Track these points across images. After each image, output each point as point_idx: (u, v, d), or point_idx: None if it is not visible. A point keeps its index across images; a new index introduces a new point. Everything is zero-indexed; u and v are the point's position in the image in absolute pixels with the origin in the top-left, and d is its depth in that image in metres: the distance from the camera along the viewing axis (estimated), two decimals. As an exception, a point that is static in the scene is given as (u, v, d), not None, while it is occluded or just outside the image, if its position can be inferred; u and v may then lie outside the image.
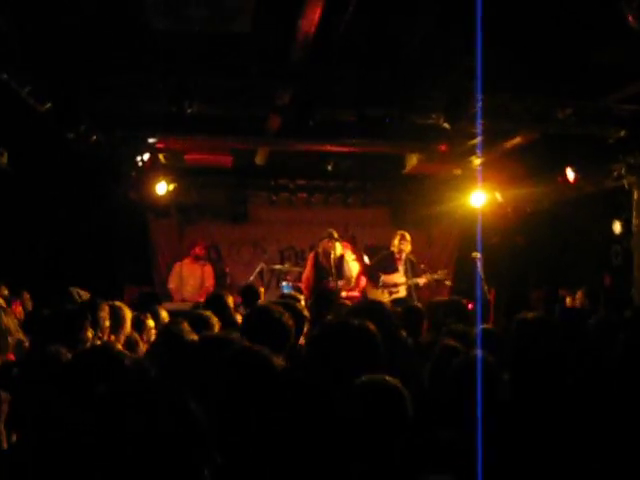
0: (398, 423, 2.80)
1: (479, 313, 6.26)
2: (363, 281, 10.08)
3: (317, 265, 9.88)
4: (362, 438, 2.72)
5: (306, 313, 5.05)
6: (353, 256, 9.89)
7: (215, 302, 6.18)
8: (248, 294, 7.40)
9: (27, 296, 8.21)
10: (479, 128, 8.31)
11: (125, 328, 5.09)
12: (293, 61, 6.95)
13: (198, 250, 12.03)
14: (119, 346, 4.98)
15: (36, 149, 9.13)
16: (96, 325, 4.75)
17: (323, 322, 4.26)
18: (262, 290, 7.45)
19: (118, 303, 5.23)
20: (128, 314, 5.14)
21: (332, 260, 9.65)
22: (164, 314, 6.31)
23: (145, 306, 6.46)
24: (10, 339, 3.78)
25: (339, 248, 9.83)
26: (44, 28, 6.25)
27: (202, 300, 11.27)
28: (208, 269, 12.12)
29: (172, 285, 11.83)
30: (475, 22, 2.71)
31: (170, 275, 11.99)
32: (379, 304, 4.77)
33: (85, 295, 5.76)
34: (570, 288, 9.42)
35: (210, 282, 11.99)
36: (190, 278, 11.87)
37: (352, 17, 6.01)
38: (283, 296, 7.59)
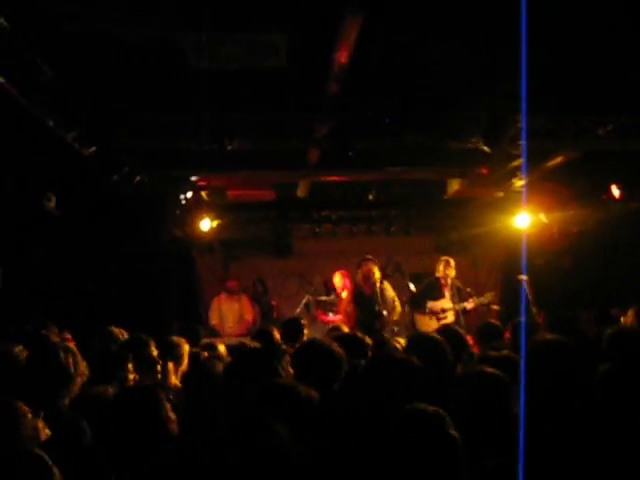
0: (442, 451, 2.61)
1: (523, 336, 6.14)
2: (398, 306, 9.93)
3: (357, 294, 9.73)
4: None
5: (369, 341, 5.00)
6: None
7: (263, 337, 6.13)
8: (289, 328, 6.79)
9: (68, 336, 8.24)
10: (523, 150, 8.23)
11: (183, 364, 5.08)
12: (329, 93, 7.01)
13: (230, 284, 11.89)
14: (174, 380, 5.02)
15: (82, 192, 9.29)
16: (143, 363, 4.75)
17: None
18: (304, 323, 7.04)
19: (176, 338, 5.22)
20: (186, 348, 5.14)
21: (372, 284, 9.55)
22: (222, 348, 6.30)
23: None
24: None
25: (377, 272, 9.74)
26: (86, 74, 6.40)
27: (244, 333, 11.43)
28: (245, 301, 11.96)
29: (214, 321, 11.67)
30: (519, 44, 2.68)
31: (210, 312, 11.85)
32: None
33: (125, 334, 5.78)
34: (622, 307, 9.22)
35: (249, 315, 11.83)
36: (229, 312, 11.74)
37: (386, 44, 6.06)
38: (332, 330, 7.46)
